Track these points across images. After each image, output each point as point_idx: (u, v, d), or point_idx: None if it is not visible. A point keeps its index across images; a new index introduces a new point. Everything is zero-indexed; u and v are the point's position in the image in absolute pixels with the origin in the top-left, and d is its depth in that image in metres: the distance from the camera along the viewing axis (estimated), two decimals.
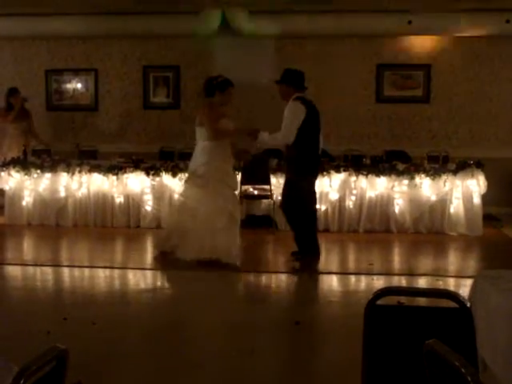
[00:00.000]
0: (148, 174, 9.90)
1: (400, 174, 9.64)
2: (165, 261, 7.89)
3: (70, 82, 12.37)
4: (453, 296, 2.91)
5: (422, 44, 11.50)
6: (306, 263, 7.72)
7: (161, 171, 9.88)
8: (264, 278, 7.54)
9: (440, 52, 11.52)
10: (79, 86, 12.36)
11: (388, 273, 7.57)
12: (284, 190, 7.84)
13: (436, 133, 11.56)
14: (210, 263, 7.55)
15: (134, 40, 11.89)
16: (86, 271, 7.67)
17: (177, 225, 7.90)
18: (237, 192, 8.18)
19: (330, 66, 11.59)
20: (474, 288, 4.01)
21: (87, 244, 9.22)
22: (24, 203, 10.21)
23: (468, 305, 2.85)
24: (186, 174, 8.36)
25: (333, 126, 11.28)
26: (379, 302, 2.90)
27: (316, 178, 7.96)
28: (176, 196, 9.74)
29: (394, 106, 11.68)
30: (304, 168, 7.61)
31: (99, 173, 10.03)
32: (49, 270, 7.77)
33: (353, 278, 7.48)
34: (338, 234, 9.62)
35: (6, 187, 10.24)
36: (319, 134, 7.71)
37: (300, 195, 7.64)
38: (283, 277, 7.57)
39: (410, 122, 11.64)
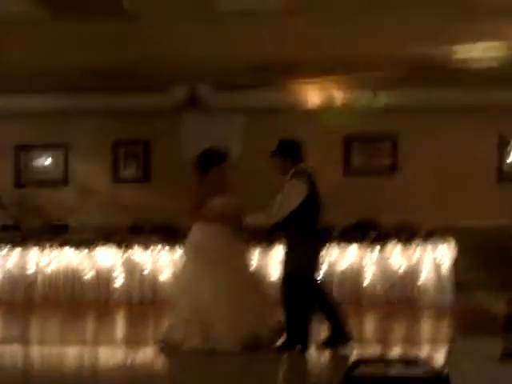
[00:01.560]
0: (118, 248, 9.88)
1: (370, 244, 9.72)
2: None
3: (39, 157, 12.38)
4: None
5: (388, 115, 11.58)
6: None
7: (131, 245, 9.86)
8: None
9: (406, 122, 11.63)
10: (49, 161, 12.37)
11: (362, 342, 7.48)
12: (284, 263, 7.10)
13: (405, 202, 11.63)
14: None
15: (103, 115, 11.90)
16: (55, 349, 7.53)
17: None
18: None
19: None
20: (448, 357, 4.03)
21: (57, 320, 9.10)
22: None
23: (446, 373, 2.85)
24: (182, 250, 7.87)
25: None
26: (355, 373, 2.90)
27: (316, 247, 7.05)
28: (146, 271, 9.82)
29: (362, 176, 11.85)
30: (301, 235, 6.89)
31: (68, 246, 9.97)
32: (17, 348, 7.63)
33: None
34: None
35: None
36: (319, 208, 6.98)
37: (299, 265, 6.86)
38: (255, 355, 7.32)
39: (378, 192, 11.73)
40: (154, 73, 10.39)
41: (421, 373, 2.89)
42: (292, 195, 6.80)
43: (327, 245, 9.57)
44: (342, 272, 9.74)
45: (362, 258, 9.74)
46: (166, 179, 11.77)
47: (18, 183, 12.40)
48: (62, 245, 10.01)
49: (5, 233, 10.58)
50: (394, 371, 2.93)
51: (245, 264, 7.43)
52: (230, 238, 7.14)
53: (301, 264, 6.88)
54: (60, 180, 12.34)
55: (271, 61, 9.66)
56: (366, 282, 9.71)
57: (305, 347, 6.87)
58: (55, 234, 10.50)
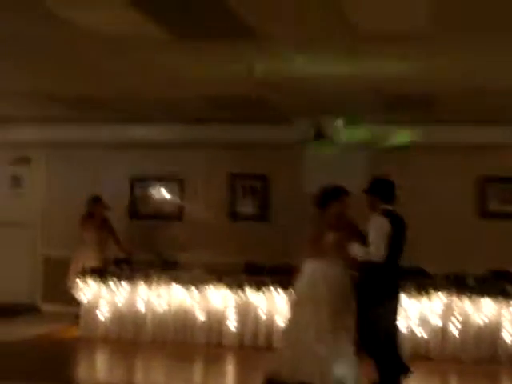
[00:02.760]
0: (231, 289, 9.29)
1: (509, 296, 8.77)
2: None
3: (154, 190, 12.05)
4: None
5: None
6: None
7: (245, 286, 9.26)
8: None
9: None
10: (163, 194, 12.02)
11: None
12: (358, 319, 6.89)
13: None
14: None
15: (220, 148, 11.49)
16: None
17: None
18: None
19: (426, 178, 10.94)
20: None
21: (164, 364, 8.57)
22: (101, 315, 9.67)
23: None
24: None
25: (431, 243, 10.51)
26: None
27: (396, 303, 7.04)
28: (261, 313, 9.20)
29: (500, 221, 10.82)
30: (382, 291, 6.86)
31: (178, 284, 9.50)
32: None
33: None
34: (440, 363, 8.66)
35: (83, 298, 9.77)
36: (402, 251, 7.03)
37: (378, 324, 6.75)
38: None
39: None
40: (278, 105, 9.84)
41: None
42: (377, 230, 6.78)
43: (461, 295, 8.81)
44: (478, 325, 8.80)
45: (499, 312, 8.77)
46: (284, 217, 11.14)
47: (132, 215, 12.08)
48: (171, 282, 9.53)
49: (116, 267, 10.23)
50: None
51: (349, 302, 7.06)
52: (341, 272, 7.00)
53: (379, 318, 6.75)
54: (174, 213, 11.94)
55: (406, 94, 8.92)
56: (505, 339, 8.71)
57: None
58: (165, 269, 10.05)
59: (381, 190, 7.04)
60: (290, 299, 7.43)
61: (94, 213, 10.71)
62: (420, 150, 10.79)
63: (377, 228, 6.79)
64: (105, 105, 10.28)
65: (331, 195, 7.07)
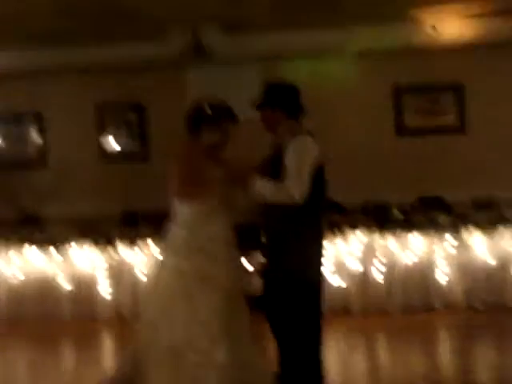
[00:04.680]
0: (100, 246, 7.72)
1: (442, 229, 7.51)
2: None
3: (8, 131, 10.18)
4: None
5: (450, 57, 9.20)
6: None
7: (116, 241, 7.70)
8: None
9: (475, 67, 9.28)
10: (20, 135, 10.19)
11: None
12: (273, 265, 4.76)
13: (477, 170, 9.21)
14: None
15: (85, 75, 9.73)
16: None
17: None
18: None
19: (332, 93, 9.44)
20: None
21: (27, 355, 6.96)
22: None
23: None
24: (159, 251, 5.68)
25: (342, 170, 9.00)
26: None
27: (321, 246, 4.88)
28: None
29: (420, 139, 9.40)
30: (308, 232, 4.69)
31: (34, 245, 7.87)
32: None
33: None
34: (362, 318, 7.36)
35: None
36: (326, 184, 4.87)
37: (305, 272, 4.63)
38: None
39: (442, 158, 9.32)
40: (146, 15, 8.19)
41: None
42: (302, 159, 4.53)
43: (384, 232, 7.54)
44: (406, 267, 7.52)
45: (431, 248, 7.52)
46: (168, 154, 9.44)
47: None
48: (24, 244, 7.91)
49: None
50: None
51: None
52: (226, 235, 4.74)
53: (305, 263, 4.57)
54: (35, 159, 10.14)
55: None
56: (438, 281, 7.48)
57: None
58: (22, 227, 8.52)
59: (284, 101, 4.78)
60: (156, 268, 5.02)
61: None
62: (321, 58, 9.30)
63: (302, 152, 4.61)
64: None
65: (206, 119, 4.74)
